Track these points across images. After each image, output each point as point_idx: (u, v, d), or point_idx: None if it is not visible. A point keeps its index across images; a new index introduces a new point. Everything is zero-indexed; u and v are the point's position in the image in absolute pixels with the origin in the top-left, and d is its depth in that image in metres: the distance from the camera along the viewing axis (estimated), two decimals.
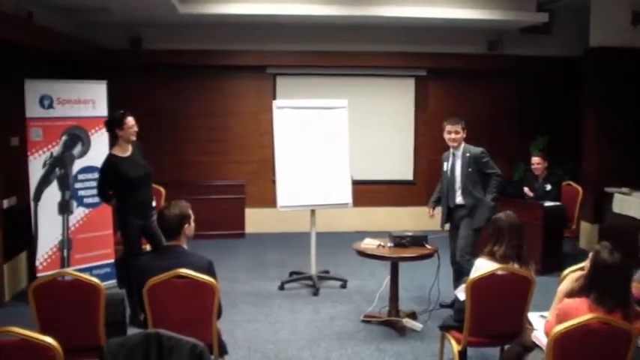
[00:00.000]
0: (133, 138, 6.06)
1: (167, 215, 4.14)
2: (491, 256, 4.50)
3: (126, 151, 6.05)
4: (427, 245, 6.04)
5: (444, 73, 10.55)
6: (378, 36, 10.15)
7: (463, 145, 6.53)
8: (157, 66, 10.02)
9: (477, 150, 6.49)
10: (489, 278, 4.35)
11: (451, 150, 6.56)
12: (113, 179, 5.95)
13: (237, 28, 9.92)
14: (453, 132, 6.46)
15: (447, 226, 6.78)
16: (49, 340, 3.07)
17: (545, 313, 4.15)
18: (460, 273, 6.19)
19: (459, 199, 6.49)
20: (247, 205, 10.09)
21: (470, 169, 6.43)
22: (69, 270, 4.39)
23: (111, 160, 6.00)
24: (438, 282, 6.30)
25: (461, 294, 4.57)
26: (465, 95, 10.70)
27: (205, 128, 10.25)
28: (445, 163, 6.63)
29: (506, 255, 4.44)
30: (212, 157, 10.31)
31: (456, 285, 6.13)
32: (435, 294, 6.41)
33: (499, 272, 4.35)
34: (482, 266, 4.46)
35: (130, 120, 6.01)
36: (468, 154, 6.46)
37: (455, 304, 4.87)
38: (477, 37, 10.37)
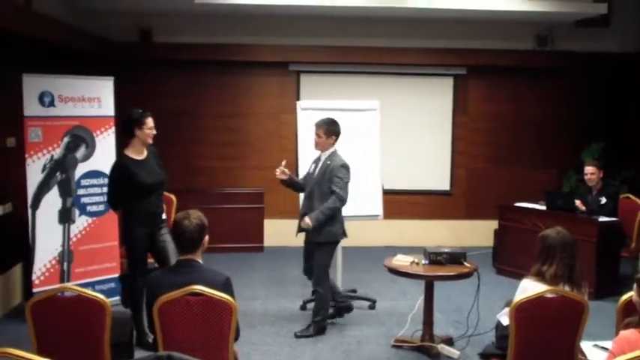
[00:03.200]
0: (150, 140, 6.10)
1: (186, 226, 4.15)
2: (540, 276, 4.49)
3: (140, 154, 6.10)
4: (465, 263, 6.02)
5: (487, 71, 10.54)
6: (413, 30, 10.17)
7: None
8: (169, 61, 10.12)
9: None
10: (537, 301, 4.32)
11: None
12: (123, 183, 6.00)
13: (258, 20, 9.99)
14: None
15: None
16: None
17: (601, 343, 4.12)
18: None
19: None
20: (266, 215, 10.11)
21: (322, 178, 6.59)
22: (71, 285, 4.41)
23: (123, 160, 6.04)
24: (478, 304, 6.27)
25: (504, 318, 4.56)
26: (510, 96, 10.68)
27: (221, 130, 10.31)
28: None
29: (557, 276, 4.43)
30: (228, 161, 10.37)
31: None
32: (474, 317, 6.39)
33: (548, 295, 4.32)
34: (529, 287, 4.45)
35: (151, 121, 6.06)
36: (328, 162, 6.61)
37: (497, 329, 4.86)
38: (525, 32, 10.33)
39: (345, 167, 6.54)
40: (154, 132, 6.11)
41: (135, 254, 6.10)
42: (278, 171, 6.61)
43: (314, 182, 6.55)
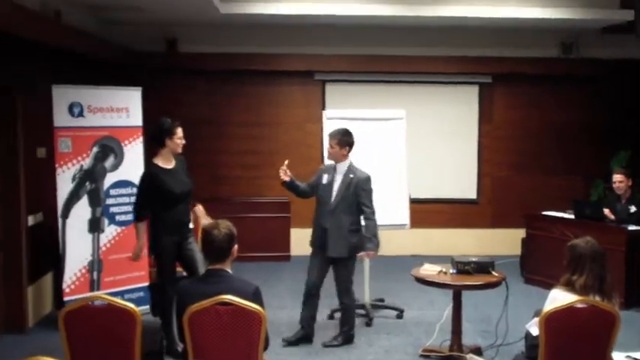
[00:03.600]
0: (180, 150, 6.17)
1: (216, 236, 4.18)
2: (569, 286, 4.46)
3: (169, 163, 6.15)
4: (494, 272, 5.99)
5: (512, 79, 10.52)
6: (437, 39, 10.17)
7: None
8: (194, 71, 10.20)
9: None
10: (567, 311, 4.30)
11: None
12: (152, 192, 6.05)
13: (283, 30, 10.04)
14: None
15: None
16: None
17: (634, 354, 4.09)
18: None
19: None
20: (293, 224, 10.11)
21: (348, 192, 6.50)
22: (103, 294, 4.45)
23: (152, 169, 6.11)
24: (507, 314, 6.23)
25: (534, 328, 4.54)
26: (536, 104, 10.64)
27: (246, 139, 10.35)
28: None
29: (587, 286, 4.40)
30: (253, 171, 10.41)
31: None
32: (502, 327, 6.34)
33: (578, 305, 4.30)
34: (559, 297, 4.42)
35: (180, 130, 6.14)
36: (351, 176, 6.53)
37: (527, 339, 4.83)
38: (550, 39, 10.30)
39: (370, 179, 6.55)
40: (184, 141, 6.17)
41: (163, 263, 6.15)
42: (281, 172, 6.55)
43: (339, 197, 6.44)
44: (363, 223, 6.54)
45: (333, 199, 6.47)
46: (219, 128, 10.36)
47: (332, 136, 6.54)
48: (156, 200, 6.06)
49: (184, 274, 6.66)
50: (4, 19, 5.54)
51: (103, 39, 8.93)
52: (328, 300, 7.76)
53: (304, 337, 6.60)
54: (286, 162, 6.60)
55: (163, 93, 9.94)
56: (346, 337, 6.61)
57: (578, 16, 9.10)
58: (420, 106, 10.25)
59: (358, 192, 6.44)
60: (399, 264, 9.59)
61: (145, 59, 9.90)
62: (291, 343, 6.53)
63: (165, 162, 6.14)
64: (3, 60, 6.56)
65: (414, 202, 7.88)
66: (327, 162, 6.79)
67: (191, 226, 6.35)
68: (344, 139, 6.50)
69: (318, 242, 6.53)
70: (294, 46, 10.18)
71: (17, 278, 6.93)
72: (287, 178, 6.54)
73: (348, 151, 6.54)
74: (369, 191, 6.50)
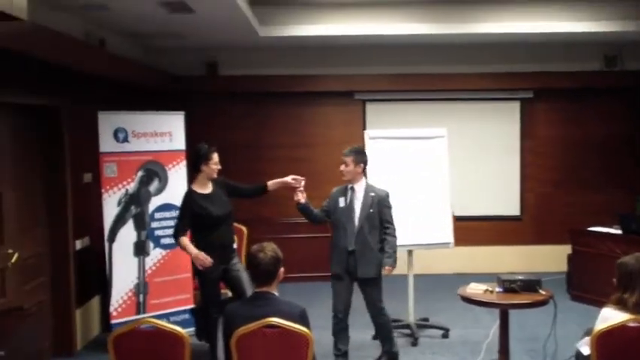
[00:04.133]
0: (215, 175, 6.21)
1: (262, 259, 4.19)
2: (621, 304, 4.39)
3: (206, 188, 6.22)
4: (541, 290, 5.90)
5: (554, 94, 10.40)
6: (477, 56, 10.13)
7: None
8: (235, 93, 10.27)
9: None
10: (619, 330, 4.23)
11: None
12: (192, 217, 6.10)
13: (322, 51, 10.08)
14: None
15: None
16: None
17: None
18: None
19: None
20: None
21: (372, 210, 6.35)
22: (152, 319, 4.48)
23: (191, 196, 6.17)
24: (555, 332, 6.13)
25: (584, 348, 4.46)
26: (579, 118, 10.50)
27: (287, 160, 10.36)
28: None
29: (639, 304, 4.32)
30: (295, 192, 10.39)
31: None
32: (550, 346, 6.24)
33: (631, 324, 4.22)
34: (610, 316, 4.34)
35: (216, 156, 6.18)
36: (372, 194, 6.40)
37: (577, 359, 4.74)
38: (593, 52, 10.17)
39: (389, 195, 6.47)
40: (219, 167, 6.23)
41: (207, 286, 6.20)
42: (298, 193, 6.41)
43: (363, 218, 6.29)
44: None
45: (356, 220, 6.31)
46: (260, 150, 10.40)
47: (346, 154, 6.37)
48: (197, 225, 6.11)
49: (229, 295, 6.70)
50: (51, 48, 5.65)
51: (146, 65, 9.06)
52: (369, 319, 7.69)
53: None
54: (302, 182, 6.49)
55: (205, 116, 10.02)
56: (391, 355, 6.55)
57: (622, 29, 8.94)
58: (461, 123, 10.17)
59: (382, 209, 6.35)
60: (442, 282, 9.53)
61: (187, 84, 10.00)
62: None
63: (202, 187, 6.21)
64: (50, 87, 6.69)
65: (456, 219, 7.83)
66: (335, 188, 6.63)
67: (235, 246, 6.38)
68: (359, 157, 6.37)
69: (343, 266, 6.34)
70: (333, 67, 10.20)
71: (66, 302, 7.01)
72: (303, 200, 6.42)
73: (363, 169, 6.42)
74: (391, 207, 6.42)
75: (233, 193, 6.37)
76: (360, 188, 6.39)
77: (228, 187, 6.34)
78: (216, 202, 6.16)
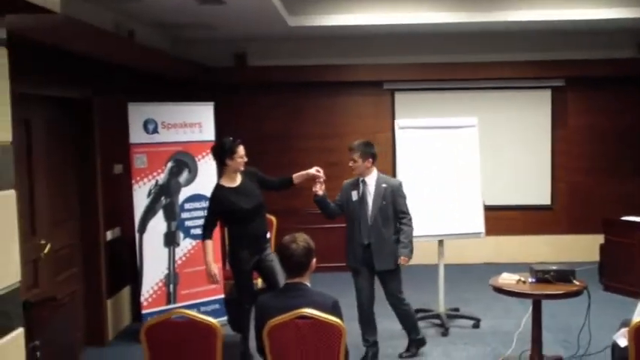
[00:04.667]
0: (241, 168, 6.16)
1: (294, 250, 4.17)
2: None
3: (235, 181, 6.17)
4: (575, 281, 5.82)
5: (586, 82, 10.25)
6: (507, 43, 10.02)
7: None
8: (264, 84, 10.25)
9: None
10: None
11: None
12: (222, 212, 6.10)
13: (351, 41, 10.02)
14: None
15: None
16: None
17: None
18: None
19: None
20: None
21: (384, 202, 6.27)
22: (184, 310, 4.49)
23: (219, 191, 6.14)
24: (589, 323, 6.05)
25: (621, 340, 4.39)
26: (611, 107, 10.36)
27: (317, 151, 10.34)
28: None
29: None
30: (327, 183, 10.33)
31: None
32: (585, 337, 6.16)
33: None
34: None
35: (241, 149, 6.10)
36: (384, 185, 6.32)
37: (614, 350, 4.67)
38: (626, 39, 10.01)
39: (402, 184, 6.45)
40: (245, 159, 6.15)
41: (240, 277, 6.19)
42: (318, 185, 6.27)
43: (376, 210, 6.23)
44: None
45: (370, 213, 6.26)
46: (289, 141, 10.38)
47: (353, 150, 6.27)
48: (228, 219, 6.11)
49: (260, 286, 6.71)
50: (83, 41, 5.66)
51: (175, 56, 9.07)
52: None
53: (374, 356, 6.44)
54: (322, 174, 6.35)
55: (234, 107, 10.03)
56: (418, 343, 6.53)
57: None
58: (491, 112, 10.07)
59: (396, 200, 6.29)
60: (472, 272, 9.47)
61: (216, 75, 10.00)
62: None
63: (231, 181, 6.17)
64: (82, 79, 6.72)
65: (486, 209, 7.74)
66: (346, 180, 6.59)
67: (268, 235, 6.37)
68: (366, 151, 6.26)
69: (361, 259, 6.30)
70: (362, 57, 10.14)
71: (97, 292, 7.07)
72: (321, 192, 6.28)
73: (372, 163, 6.31)
74: (405, 197, 6.36)
75: (262, 184, 6.34)
76: (371, 181, 6.32)
77: (258, 178, 6.31)
78: (245, 194, 6.12)
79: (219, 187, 6.18)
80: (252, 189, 6.19)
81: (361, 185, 6.32)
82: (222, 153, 6.13)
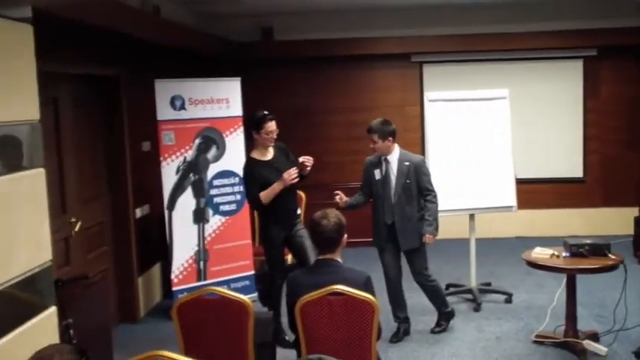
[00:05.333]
0: (270, 143, 6.12)
1: (325, 226, 4.13)
2: None
3: (266, 154, 6.15)
4: (610, 255, 5.72)
5: (619, 51, 10.00)
6: (538, 13, 9.80)
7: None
8: (291, 58, 10.17)
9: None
10: None
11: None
12: (254, 183, 6.05)
13: (377, 13, 9.88)
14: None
15: None
16: None
17: None
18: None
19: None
20: None
21: (408, 181, 6.18)
22: (216, 288, 4.48)
23: (251, 164, 6.13)
24: (625, 298, 5.95)
25: None
26: None
27: (345, 125, 10.26)
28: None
29: None
30: (353, 156, 10.28)
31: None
32: (620, 312, 6.06)
33: None
34: None
35: (271, 125, 6.04)
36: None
37: None
38: None
39: (425, 161, 6.42)
40: (274, 136, 6.09)
41: (272, 253, 6.19)
42: (337, 199, 6.16)
43: (399, 189, 6.15)
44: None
45: (393, 192, 6.19)
46: (317, 115, 10.31)
47: (372, 131, 6.14)
48: (260, 192, 6.07)
49: (290, 262, 6.70)
50: (107, 17, 5.63)
51: (201, 32, 9.01)
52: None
53: (406, 331, 6.41)
54: (338, 195, 6.19)
55: (261, 82, 9.96)
56: (447, 316, 6.49)
57: None
58: (521, 84, 9.87)
59: (419, 177, 6.20)
60: (503, 246, 9.39)
61: (242, 50, 9.93)
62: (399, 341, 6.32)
63: (262, 154, 6.15)
64: (109, 56, 6.70)
65: (517, 182, 7.64)
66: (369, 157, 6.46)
67: (298, 212, 6.33)
68: (385, 130, 6.13)
69: (386, 238, 6.23)
70: (389, 29, 9.99)
71: (128, 270, 7.09)
72: (343, 205, 6.17)
73: (393, 141, 6.18)
74: (429, 174, 6.30)
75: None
76: (393, 159, 6.23)
77: (288, 155, 6.27)
78: (277, 169, 6.06)
79: (250, 160, 6.17)
80: (283, 163, 6.14)
81: (384, 164, 6.24)
82: (250, 125, 6.14)
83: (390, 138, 6.16)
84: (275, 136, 6.12)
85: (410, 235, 6.19)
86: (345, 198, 6.20)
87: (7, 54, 3.47)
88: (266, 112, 6.09)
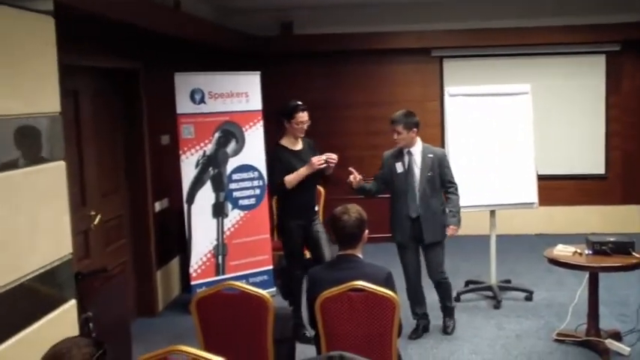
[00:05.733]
0: (300, 134, 6.16)
1: (346, 221, 4.10)
2: None
3: (295, 144, 6.19)
4: (634, 253, 5.64)
5: None
6: (558, 7, 9.71)
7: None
8: (310, 53, 10.13)
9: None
10: None
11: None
12: (278, 168, 6.07)
13: (398, 7, 9.82)
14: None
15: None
16: None
17: None
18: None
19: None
20: None
21: (431, 173, 6.11)
22: (236, 282, 4.45)
23: (279, 149, 6.16)
24: None
25: None
26: None
27: (364, 120, 10.22)
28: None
29: None
30: (372, 151, 10.20)
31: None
32: None
33: None
34: None
35: (302, 115, 6.09)
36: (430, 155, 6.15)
37: None
38: None
39: (446, 154, 6.39)
40: (304, 127, 6.13)
41: (290, 247, 6.18)
42: (352, 177, 6.11)
43: (424, 182, 6.06)
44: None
45: (417, 185, 6.09)
46: (336, 110, 10.27)
47: (396, 121, 6.05)
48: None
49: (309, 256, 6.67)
50: (129, 11, 5.62)
51: (221, 26, 8.99)
52: (453, 280, 7.37)
53: (425, 328, 6.35)
54: (352, 174, 6.15)
55: (281, 77, 9.91)
56: (452, 312, 6.42)
57: None
58: (542, 79, 9.77)
59: (442, 169, 6.15)
60: (523, 243, 9.32)
61: (262, 44, 9.90)
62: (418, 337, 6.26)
63: (291, 143, 6.18)
64: (128, 50, 6.70)
65: (538, 178, 7.56)
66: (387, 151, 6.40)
67: (316, 208, 6.31)
68: (409, 122, 6.04)
69: (408, 234, 6.14)
70: (409, 24, 9.93)
71: (147, 263, 7.10)
72: (356, 185, 6.15)
73: (416, 132, 6.11)
74: (450, 167, 6.27)
75: None
76: (416, 151, 6.15)
77: (315, 154, 6.26)
78: (303, 160, 6.09)
79: (278, 145, 6.19)
80: (309, 156, 6.14)
81: (407, 156, 6.16)
82: (282, 114, 6.16)
83: (415, 129, 6.09)
84: (306, 127, 6.16)
85: (435, 227, 6.12)
86: (358, 177, 6.14)
87: (29, 46, 3.46)
88: (299, 103, 6.15)
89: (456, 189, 6.21)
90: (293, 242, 6.14)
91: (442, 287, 6.35)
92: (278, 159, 6.10)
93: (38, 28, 3.55)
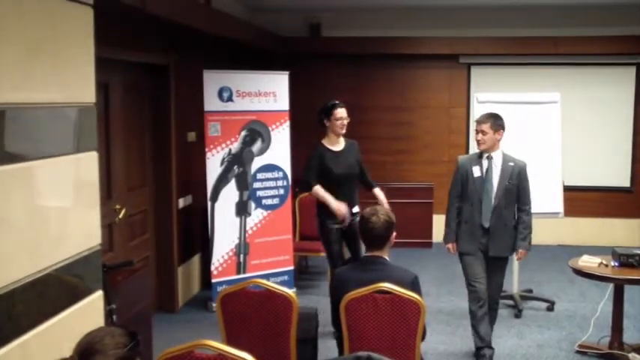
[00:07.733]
0: (341, 131, 6.27)
1: (375, 223, 4.10)
2: None
3: (335, 144, 6.30)
4: None
5: None
6: (589, 18, 9.66)
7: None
8: (338, 55, 10.15)
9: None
10: None
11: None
12: (319, 169, 6.19)
13: (426, 12, 9.83)
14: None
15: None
16: (247, 356, 3.10)
17: None
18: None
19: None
20: (435, 211, 9.80)
21: (509, 182, 5.71)
22: (262, 280, 4.46)
23: (319, 148, 6.28)
24: None
25: None
26: None
27: (390, 124, 10.23)
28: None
29: None
30: (396, 156, 10.28)
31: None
32: None
33: None
34: None
35: (340, 112, 6.25)
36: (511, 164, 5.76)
37: None
38: None
39: (526, 166, 5.86)
40: (344, 122, 6.27)
41: (330, 248, 6.29)
42: (452, 250, 5.89)
43: (501, 191, 5.66)
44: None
45: (494, 193, 5.66)
46: (363, 113, 10.22)
47: (482, 121, 5.68)
48: (321, 180, 6.17)
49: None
50: (160, 6, 5.65)
51: (251, 24, 9.02)
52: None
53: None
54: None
55: (308, 78, 9.94)
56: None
57: None
58: (570, 89, 9.70)
59: (521, 183, 5.72)
60: (545, 254, 9.26)
61: (290, 44, 9.94)
62: None
63: (331, 143, 6.31)
64: (159, 45, 6.73)
65: (563, 189, 7.52)
66: (461, 156, 6.14)
67: (356, 210, 6.27)
68: (497, 123, 5.67)
69: (476, 244, 5.71)
70: (438, 29, 9.93)
71: (169, 259, 7.12)
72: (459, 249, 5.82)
73: (502, 136, 5.71)
74: (529, 181, 5.83)
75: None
76: (497, 157, 5.73)
77: (357, 155, 6.40)
78: (342, 160, 6.24)
79: (319, 144, 6.32)
80: (349, 157, 6.31)
81: (486, 161, 5.74)
82: (321, 112, 6.30)
83: (501, 131, 5.72)
84: (345, 123, 6.28)
85: (504, 241, 5.74)
86: (453, 245, 5.87)
87: (69, 36, 3.48)
88: (337, 102, 6.34)
89: (530, 208, 5.80)
90: (331, 244, 6.26)
91: (495, 310, 6.01)
92: (316, 158, 6.22)
93: (78, 19, 3.57)
